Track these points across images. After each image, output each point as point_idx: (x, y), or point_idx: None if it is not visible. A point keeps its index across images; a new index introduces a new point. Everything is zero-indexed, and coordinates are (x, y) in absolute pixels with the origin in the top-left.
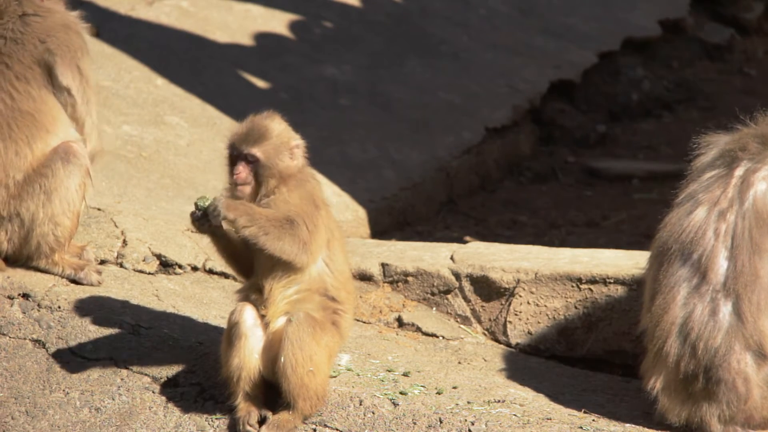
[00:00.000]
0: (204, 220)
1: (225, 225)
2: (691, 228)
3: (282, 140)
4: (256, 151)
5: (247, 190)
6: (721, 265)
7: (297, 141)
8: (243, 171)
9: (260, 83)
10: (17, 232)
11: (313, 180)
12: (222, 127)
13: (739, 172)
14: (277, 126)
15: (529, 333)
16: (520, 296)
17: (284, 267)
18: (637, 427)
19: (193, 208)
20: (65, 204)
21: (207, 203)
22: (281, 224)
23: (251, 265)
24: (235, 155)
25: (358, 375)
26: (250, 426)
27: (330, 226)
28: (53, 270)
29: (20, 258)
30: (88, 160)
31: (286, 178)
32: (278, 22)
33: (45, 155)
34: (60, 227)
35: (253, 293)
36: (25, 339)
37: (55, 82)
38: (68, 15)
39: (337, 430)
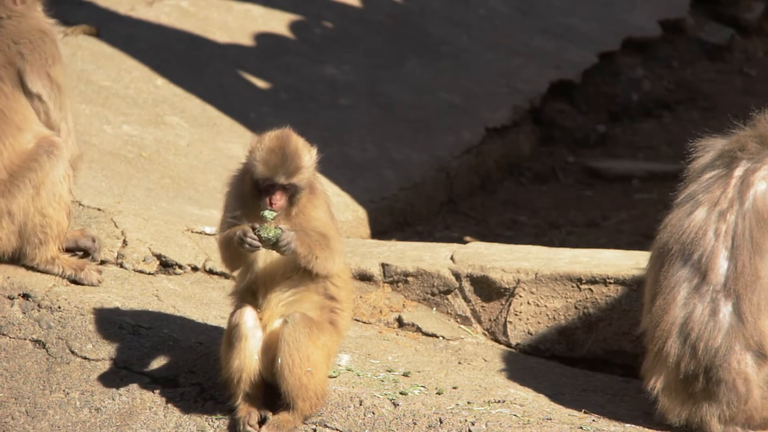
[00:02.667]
0: (262, 245)
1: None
2: (691, 228)
3: (311, 161)
4: (295, 181)
5: (280, 213)
6: (721, 266)
7: (315, 153)
8: (281, 200)
9: (260, 83)
10: (6, 228)
11: (322, 186)
12: (222, 127)
13: (738, 172)
14: (303, 149)
15: (529, 333)
16: (520, 296)
17: (307, 274)
18: (638, 427)
19: (241, 227)
20: (51, 195)
21: (271, 233)
22: (324, 245)
23: (244, 264)
24: (269, 185)
25: (358, 375)
26: (251, 426)
27: None
28: (53, 270)
29: (12, 254)
30: (67, 152)
31: (312, 191)
32: (278, 23)
33: (20, 152)
34: (47, 218)
35: (249, 296)
36: (25, 339)
37: (25, 88)
38: (43, 20)
39: (337, 430)
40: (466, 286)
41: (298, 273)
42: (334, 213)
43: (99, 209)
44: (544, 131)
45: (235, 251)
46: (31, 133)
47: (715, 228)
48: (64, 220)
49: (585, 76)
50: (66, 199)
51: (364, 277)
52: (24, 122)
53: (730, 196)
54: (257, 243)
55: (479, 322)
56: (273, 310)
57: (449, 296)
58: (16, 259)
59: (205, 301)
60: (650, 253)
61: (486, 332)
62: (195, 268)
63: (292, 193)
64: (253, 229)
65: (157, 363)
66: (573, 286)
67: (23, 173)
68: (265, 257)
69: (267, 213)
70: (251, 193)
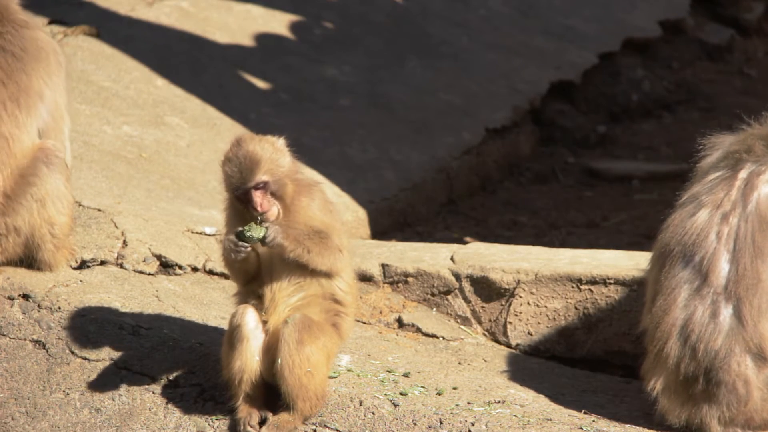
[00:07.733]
0: (251, 244)
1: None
2: (693, 230)
3: (273, 152)
4: (263, 177)
5: (275, 211)
6: (722, 268)
7: (278, 140)
8: (263, 199)
9: (260, 84)
10: (12, 242)
11: (316, 183)
12: (222, 127)
13: (743, 174)
14: (259, 145)
15: (530, 334)
16: (521, 297)
17: (311, 275)
18: (637, 427)
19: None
20: (59, 203)
21: (258, 232)
22: (319, 240)
23: (255, 275)
24: (244, 192)
25: (359, 376)
26: (251, 427)
27: None
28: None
29: (20, 262)
30: (64, 155)
31: (297, 183)
32: (278, 23)
33: (18, 174)
34: (57, 225)
35: (252, 299)
36: (25, 340)
37: (27, 105)
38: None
39: (337, 430)
40: (466, 286)
41: (304, 277)
42: (333, 210)
43: (99, 210)
44: (544, 131)
45: (238, 266)
46: (29, 153)
47: (717, 230)
48: (70, 221)
49: (585, 77)
50: (71, 201)
51: (364, 278)
52: (25, 149)
53: (733, 198)
54: (245, 248)
55: (479, 322)
56: (280, 314)
57: (449, 297)
58: (27, 265)
59: (205, 302)
60: (652, 253)
61: (486, 333)
62: (195, 269)
63: (271, 189)
64: (240, 232)
65: (157, 363)
66: (573, 287)
67: (24, 188)
68: (270, 262)
69: (262, 218)
70: (241, 207)
